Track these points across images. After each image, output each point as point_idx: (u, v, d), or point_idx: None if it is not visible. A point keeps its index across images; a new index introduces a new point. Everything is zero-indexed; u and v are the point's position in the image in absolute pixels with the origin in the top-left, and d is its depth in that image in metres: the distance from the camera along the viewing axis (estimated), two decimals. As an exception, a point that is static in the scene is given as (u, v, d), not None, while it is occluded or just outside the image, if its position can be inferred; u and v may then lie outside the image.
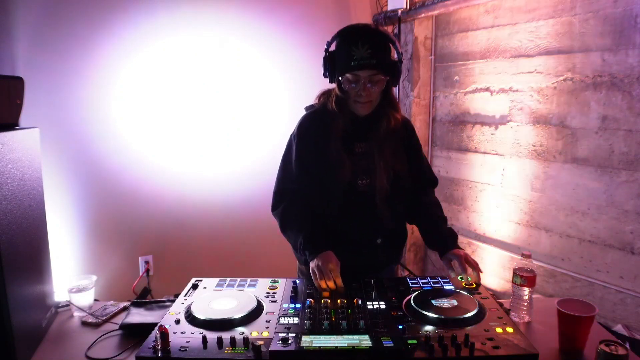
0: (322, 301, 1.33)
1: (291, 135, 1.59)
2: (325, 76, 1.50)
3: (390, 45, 1.45)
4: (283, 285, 1.46)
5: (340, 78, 1.46)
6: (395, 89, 3.29)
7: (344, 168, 1.49)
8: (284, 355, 1.08)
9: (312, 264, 1.43)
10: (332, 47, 1.48)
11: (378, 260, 1.61)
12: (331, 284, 1.39)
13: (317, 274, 1.40)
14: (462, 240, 3.18)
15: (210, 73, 3.01)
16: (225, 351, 1.10)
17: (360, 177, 1.52)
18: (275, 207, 1.59)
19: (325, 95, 1.57)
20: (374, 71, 1.40)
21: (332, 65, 1.47)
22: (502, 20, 2.74)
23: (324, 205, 1.54)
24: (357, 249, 1.55)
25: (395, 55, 1.47)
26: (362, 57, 1.37)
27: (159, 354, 1.09)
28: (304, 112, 1.62)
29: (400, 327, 1.18)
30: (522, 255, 1.40)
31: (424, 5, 3.07)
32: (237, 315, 1.24)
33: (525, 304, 1.38)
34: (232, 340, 1.12)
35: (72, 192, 2.78)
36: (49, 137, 2.56)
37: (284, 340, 1.11)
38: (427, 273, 3.57)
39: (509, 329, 1.17)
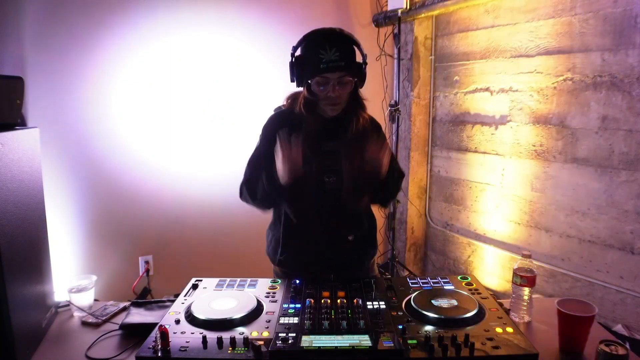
0: (322, 301, 1.33)
1: (259, 137, 1.62)
2: (292, 81, 1.51)
3: (355, 47, 1.47)
4: (283, 285, 1.46)
5: (309, 81, 1.47)
6: (395, 89, 3.27)
7: (309, 166, 1.49)
8: (284, 355, 1.08)
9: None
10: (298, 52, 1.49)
11: (352, 256, 1.62)
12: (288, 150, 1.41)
13: (278, 149, 1.43)
14: (462, 240, 3.18)
15: (210, 73, 3.01)
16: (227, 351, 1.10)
17: (327, 174, 1.53)
18: (241, 193, 1.62)
19: (292, 97, 1.57)
20: (343, 73, 1.42)
21: (299, 69, 1.48)
22: (502, 20, 2.74)
23: (294, 202, 1.56)
24: (330, 246, 1.57)
25: (360, 58, 1.49)
26: (331, 59, 1.39)
27: (159, 354, 1.09)
28: None
29: (400, 327, 1.18)
30: (522, 255, 1.40)
31: (424, 5, 3.07)
32: (237, 315, 1.24)
33: (525, 304, 1.38)
34: (232, 340, 1.12)
35: (72, 192, 2.78)
36: (49, 137, 2.56)
37: (284, 340, 1.11)
38: (427, 273, 3.58)
39: (509, 329, 1.17)
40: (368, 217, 1.66)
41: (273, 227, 1.68)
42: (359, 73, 1.48)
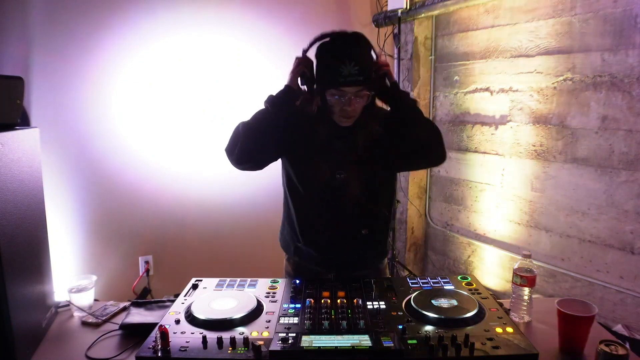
0: (322, 301, 1.33)
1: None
2: (302, 84, 1.49)
3: (372, 52, 1.45)
4: (283, 285, 1.46)
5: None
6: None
7: (319, 164, 1.49)
8: (284, 355, 1.08)
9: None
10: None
11: (366, 252, 1.62)
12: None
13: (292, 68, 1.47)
14: (462, 240, 3.18)
15: (210, 73, 3.01)
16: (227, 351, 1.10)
17: (338, 171, 1.52)
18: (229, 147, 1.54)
19: (305, 98, 1.54)
20: (361, 87, 1.40)
21: (313, 76, 1.45)
22: (502, 20, 2.74)
23: (306, 197, 1.56)
24: (344, 241, 1.57)
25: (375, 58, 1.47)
26: (350, 73, 1.36)
27: (159, 354, 1.09)
28: None
29: (400, 327, 1.18)
30: (522, 255, 1.40)
31: (424, 5, 3.07)
32: (237, 315, 1.24)
33: (525, 304, 1.38)
34: (232, 340, 1.12)
35: (72, 192, 2.78)
36: (49, 137, 2.56)
37: (284, 340, 1.11)
38: (427, 273, 3.57)
39: (509, 329, 1.17)
40: (383, 217, 1.64)
41: (287, 221, 1.67)
42: (376, 87, 1.45)
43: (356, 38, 1.43)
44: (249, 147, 1.48)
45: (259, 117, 1.50)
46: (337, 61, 1.36)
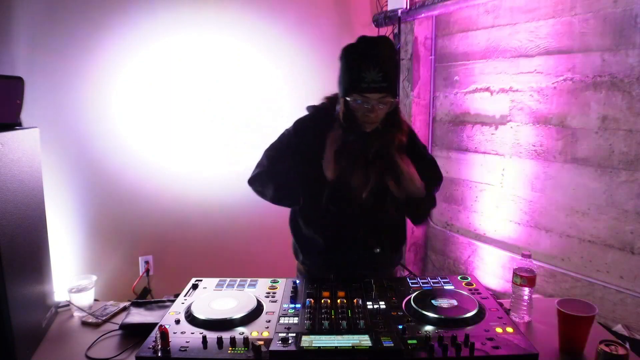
0: (322, 301, 1.33)
1: (285, 131, 1.59)
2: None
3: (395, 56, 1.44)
4: (283, 285, 1.46)
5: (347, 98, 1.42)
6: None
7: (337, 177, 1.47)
8: (284, 355, 1.08)
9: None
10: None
11: (376, 264, 1.61)
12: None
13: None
14: (462, 240, 3.18)
15: (210, 73, 3.01)
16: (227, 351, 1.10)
17: (348, 173, 1.48)
18: (252, 183, 1.59)
19: (330, 101, 1.53)
20: (384, 94, 1.38)
21: (339, 81, 1.44)
22: (502, 20, 2.74)
23: (319, 211, 1.54)
24: (356, 257, 1.56)
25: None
26: (374, 80, 1.34)
27: (159, 354, 1.09)
28: (304, 113, 1.61)
29: (400, 327, 1.18)
30: (522, 255, 1.40)
31: (424, 5, 3.07)
32: (237, 315, 1.24)
33: (525, 304, 1.38)
34: (232, 340, 1.12)
35: (72, 192, 2.78)
36: (49, 137, 2.56)
37: (284, 340, 1.11)
38: (427, 273, 3.57)
39: (509, 329, 1.18)
40: (398, 232, 1.63)
41: (293, 230, 1.66)
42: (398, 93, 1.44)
43: (380, 42, 1.40)
44: (281, 196, 1.54)
45: (282, 165, 1.51)
46: (361, 66, 1.35)
